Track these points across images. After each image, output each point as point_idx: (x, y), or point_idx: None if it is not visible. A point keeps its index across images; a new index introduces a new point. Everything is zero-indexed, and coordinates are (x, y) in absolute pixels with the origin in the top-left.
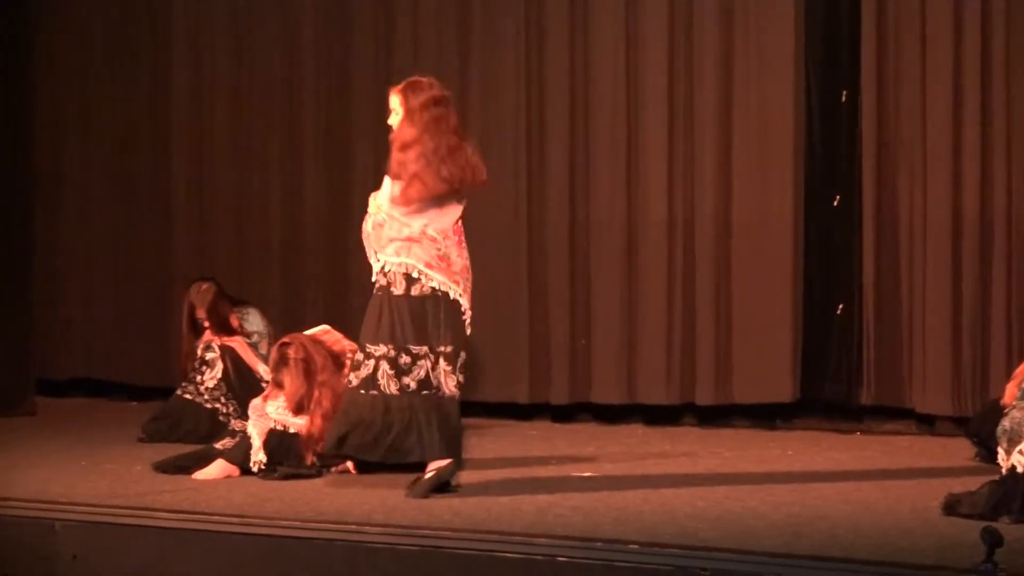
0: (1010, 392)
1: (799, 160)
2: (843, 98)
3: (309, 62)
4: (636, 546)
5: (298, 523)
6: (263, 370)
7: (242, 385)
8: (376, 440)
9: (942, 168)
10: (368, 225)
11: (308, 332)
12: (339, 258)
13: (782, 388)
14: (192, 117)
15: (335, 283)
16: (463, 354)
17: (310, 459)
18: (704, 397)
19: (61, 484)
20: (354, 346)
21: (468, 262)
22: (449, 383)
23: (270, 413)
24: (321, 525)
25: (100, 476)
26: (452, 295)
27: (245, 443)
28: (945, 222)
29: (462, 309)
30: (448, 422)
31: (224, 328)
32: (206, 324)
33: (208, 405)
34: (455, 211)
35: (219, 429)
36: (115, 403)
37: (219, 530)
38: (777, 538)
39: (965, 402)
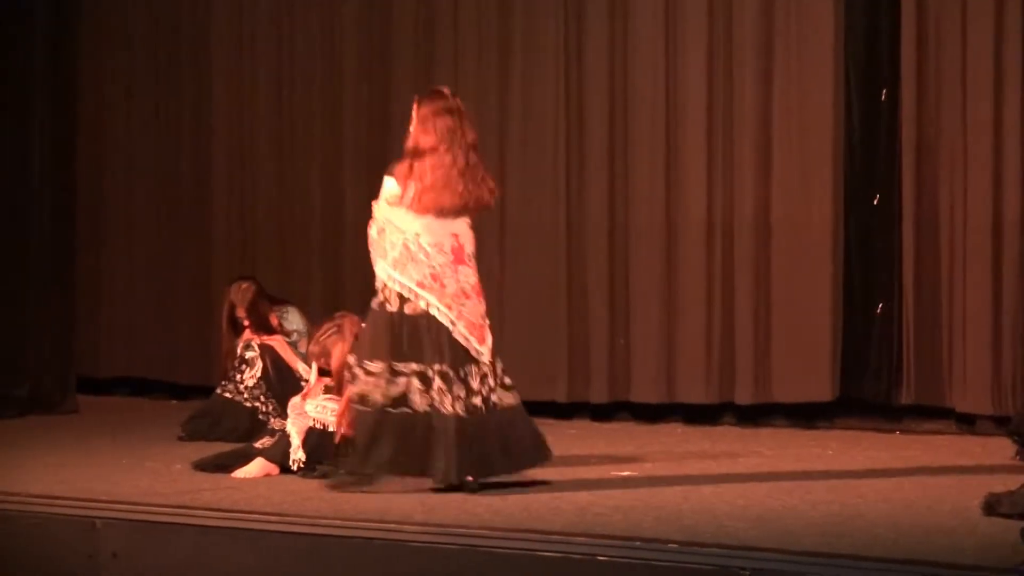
0: None
1: (839, 159)
2: (883, 97)
3: (351, 64)
4: (676, 545)
5: (338, 521)
6: (302, 369)
7: (281, 384)
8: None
9: (982, 166)
10: (373, 231)
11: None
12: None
13: (822, 387)
14: (233, 118)
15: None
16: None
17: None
18: (744, 396)
19: (102, 482)
20: None
21: (467, 285)
22: (446, 402)
23: (309, 412)
24: (361, 523)
25: (141, 474)
26: (439, 318)
27: (284, 442)
28: (985, 220)
29: (453, 333)
30: (411, 437)
31: (264, 327)
32: (246, 323)
33: (248, 404)
34: (453, 227)
35: (259, 428)
36: (156, 402)
37: (259, 528)
38: (817, 537)
39: (1005, 401)
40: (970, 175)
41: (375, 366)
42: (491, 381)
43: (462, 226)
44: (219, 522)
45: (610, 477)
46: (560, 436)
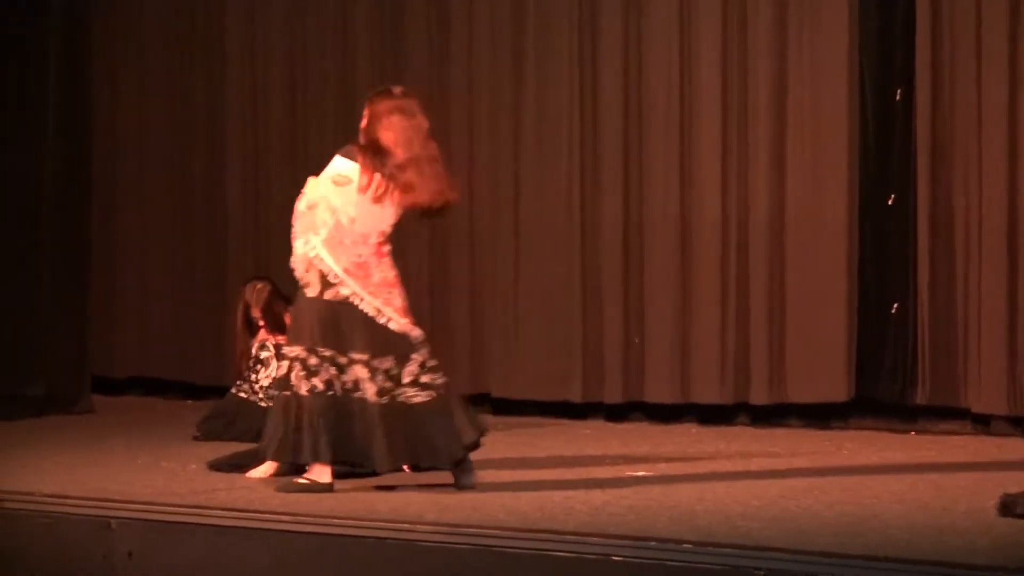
0: None
1: (853, 158)
2: (898, 96)
3: (363, 65)
4: (690, 545)
5: (351, 521)
6: None
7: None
8: (281, 440)
9: (997, 166)
10: (302, 204)
11: None
12: (395, 260)
13: (836, 387)
14: (247, 119)
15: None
16: (391, 359)
17: None
18: (758, 396)
19: (117, 482)
20: None
21: (390, 276)
22: (370, 389)
23: None
24: (374, 523)
25: (156, 474)
26: (362, 307)
27: None
28: (1000, 220)
29: (378, 321)
30: (343, 425)
31: (279, 327)
32: (261, 323)
33: (263, 404)
34: (386, 217)
35: None
36: (171, 401)
37: (273, 528)
38: (831, 538)
39: (1021, 401)
40: (985, 175)
41: (294, 351)
42: (415, 373)
43: (390, 220)
44: (234, 522)
45: (624, 477)
46: (574, 436)
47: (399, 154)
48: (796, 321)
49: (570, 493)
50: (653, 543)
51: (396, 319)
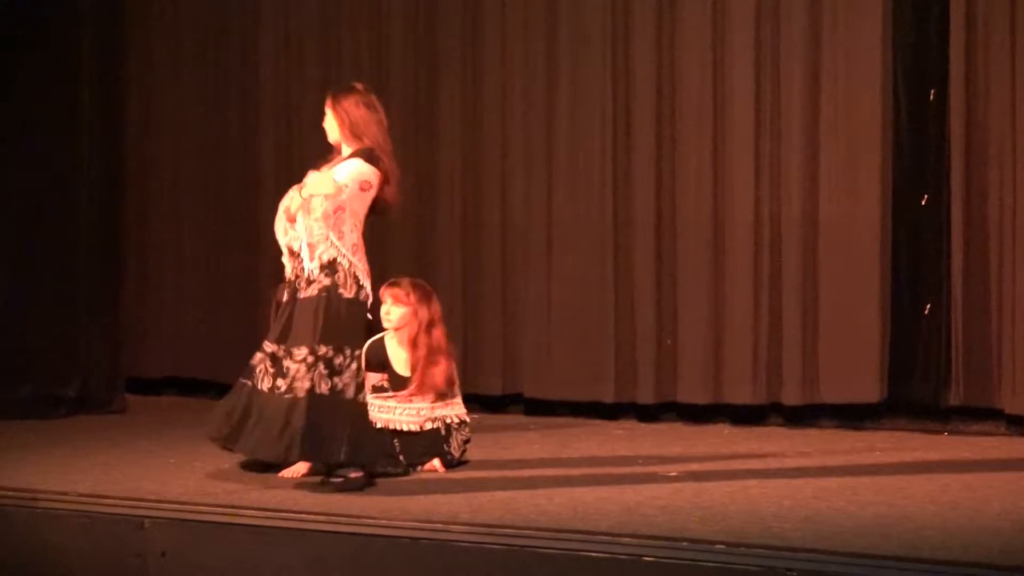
0: None
1: (887, 159)
2: (931, 97)
3: (396, 64)
4: (722, 546)
5: (384, 522)
6: None
7: None
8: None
9: None
10: (329, 206)
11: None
12: (427, 256)
13: (869, 388)
14: (281, 119)
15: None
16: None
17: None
18: (791, 397)
19: (151, 482)
20: None
21: None
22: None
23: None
24: (407, 523)
25: (189, 474)
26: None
27: None
28: None
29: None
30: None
31: None
32: None
33: None
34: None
35: None
36: (204, 401)
37: (306, 528)
38: (864, 538)
39: None
40: (1019, 175)
41: (325, 350)
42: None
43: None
44: (267, 522)
45: (657, 477)
46: (607, 437)
47: (371, 137)
48: (829, 321)
49: (603, 494)
50: (685, 544)
51: None
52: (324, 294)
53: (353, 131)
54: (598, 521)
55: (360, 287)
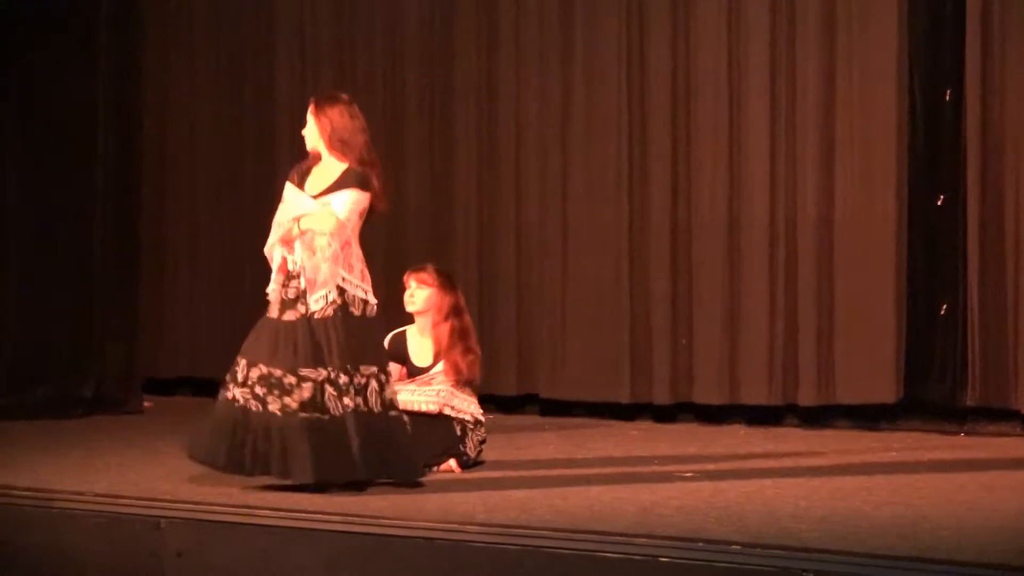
0: None
1: (902, 159)
2: (947, 97)
3: (412, 66)
4: (738, 547)
5: (400, 522)
6: None
7: None
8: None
9: None
10: (337, 246)
11: None
12: (443, 258)
13: (885, 389)
14: (297, 119)
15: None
16: None
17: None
18: (806, 397)
19: (167, 482)
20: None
21: None
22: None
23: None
24: (423, 524)
25: (205, 474)
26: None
27: None
28: None
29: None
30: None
31: None
32: None
33: None
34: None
35: None
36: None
37: (322, 528)
38: (880, 539)
39: None
40: None
41: (371, 370)
42: None
43: None
44: (283, 522)
45: (672, 478)
46: (622, 437)
47: (358, 152)
48: (844, 322)
49: (618, 494)
50: (701, 544)
51: None
52: (339, 313)
53: (336, 141)
54: (614, 521)
55: (367, 303)
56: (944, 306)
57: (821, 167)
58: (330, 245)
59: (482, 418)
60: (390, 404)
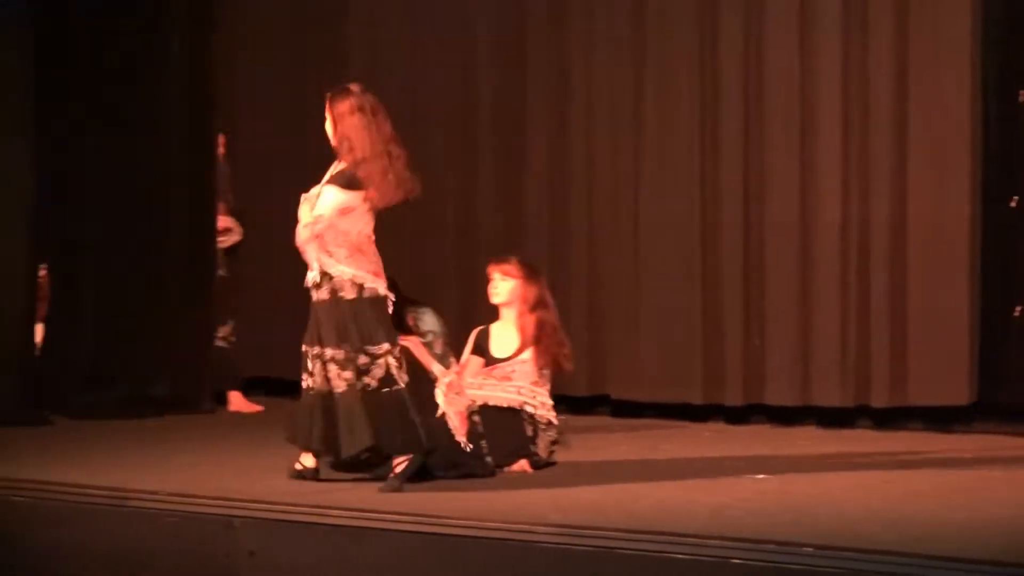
0: None
1: (975, 161)
2: (1020, 98)
3: (484, 71)
4: (810, 549)
5: (472, 522)
6: (437, 370)
7: (416, 384)
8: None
9: None
10: (305, 233)
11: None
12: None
13: (958, 390)
14: None
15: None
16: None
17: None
18: (879, 399)
19: (239, 481)
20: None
21: None
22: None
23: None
24: (494, 524)
25: (277, 474)
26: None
27: None
28: None
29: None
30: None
31: (399, 328)
32: None
33: None
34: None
35: None
36: (293, 401)
37: (393, 528)
38: (952, 542)
39: None
40: None
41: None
42: None
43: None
44: (355, 522)
45: (744, 479)
46: (695, 438)
47: (358, 151)
48: (917, 323)
49: (690, 495)
50: (772, 546)
51: None
52: (332, 298)
53: (339, 139)
54: (686, 523)
55: (362, 287)
56: (1018, 308)
57: (893, 169)
58: (307, 231)
59: (555, 420)
60: (384, 382)
